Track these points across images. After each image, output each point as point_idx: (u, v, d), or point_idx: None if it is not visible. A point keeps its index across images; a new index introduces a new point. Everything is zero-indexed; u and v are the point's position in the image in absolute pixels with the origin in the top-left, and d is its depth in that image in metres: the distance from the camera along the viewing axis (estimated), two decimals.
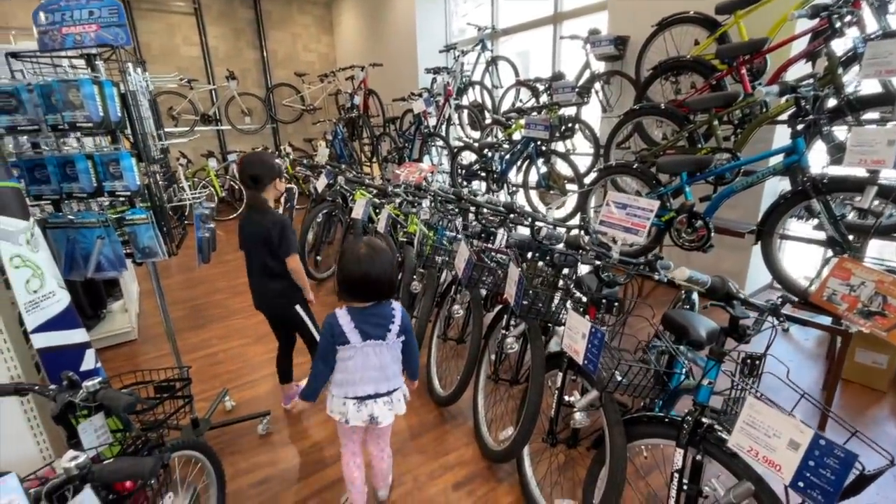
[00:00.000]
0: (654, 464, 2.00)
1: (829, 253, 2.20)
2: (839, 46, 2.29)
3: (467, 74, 5.53)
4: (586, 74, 4.03)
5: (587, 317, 1.57)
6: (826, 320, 2.18)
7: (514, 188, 4.50)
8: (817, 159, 2.32)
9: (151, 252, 1.88)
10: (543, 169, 3.85)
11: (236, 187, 7.04)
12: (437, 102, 5.39)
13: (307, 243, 4.15)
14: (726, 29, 2.96)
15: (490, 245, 2.44)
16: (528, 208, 2.93)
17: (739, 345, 1.32)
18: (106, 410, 1.18)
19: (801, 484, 1.01)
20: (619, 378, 1.47)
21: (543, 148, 3.81)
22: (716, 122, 2.67)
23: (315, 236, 4.29)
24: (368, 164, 7.05)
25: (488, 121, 4.97)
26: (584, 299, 1.74)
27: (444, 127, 5.45)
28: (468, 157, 4.89)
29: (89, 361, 1.61)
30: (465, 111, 5.42)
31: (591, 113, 4.20)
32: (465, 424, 2.34)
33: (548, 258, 2.00)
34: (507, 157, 4.21)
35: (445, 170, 5.09)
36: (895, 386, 2.50)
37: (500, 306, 2.35)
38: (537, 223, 2.12)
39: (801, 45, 2.68)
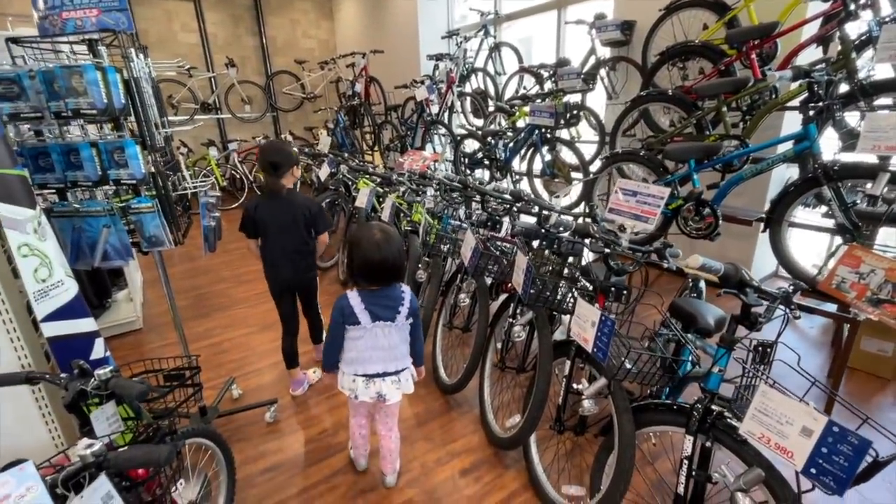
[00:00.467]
0: (662, 450, 2.01)
1: (837, 241, 2.19)
2: (853, 30, 2.25)
3: (470, 61, 5.45)
4: (591, 60, 3.97)
5: (596, 305, 1.56)
6: (833, 308, 2.18)
7: (518, 176, 4.47)
8: (826, 146, 2.29)
9: (158, 241, 1.87)
10: (548, 157, 3.82)
11: (237, 176, 7.00)
12: (440, 90, 5.32)
13: None
14: (736, 13, 2.91)
15: (496, 233, 2.43)
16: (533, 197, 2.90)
17: (750, 333, 1.32)
18: (116, 399, 1.19)
19: (813, 470, 1.01)
20: (629, 366, 1.47)
21: (548, 135, 3.76)
22: (724, 109, 2.64)
23: None
24: (370, 152, 6.99)
25: (492, 108, 4.92)
26: (591, 287, 1.74)
27: (446, 115, 5.39)
28: (471, 146, 4.85)
29: (99, 350, 1.62)
30: (468, 98, 5.36)
31: (597, 100, 4.15)
32: (471, 412, 2.36)
33: (555, 246, 2.00)
34: (511, 144, 4.17)
35: (448, 158, 5.05)
36: None
37: (505, 295, 2.34)
38: (545, 211, 2.11)
39: (812, 28, 2.64)
